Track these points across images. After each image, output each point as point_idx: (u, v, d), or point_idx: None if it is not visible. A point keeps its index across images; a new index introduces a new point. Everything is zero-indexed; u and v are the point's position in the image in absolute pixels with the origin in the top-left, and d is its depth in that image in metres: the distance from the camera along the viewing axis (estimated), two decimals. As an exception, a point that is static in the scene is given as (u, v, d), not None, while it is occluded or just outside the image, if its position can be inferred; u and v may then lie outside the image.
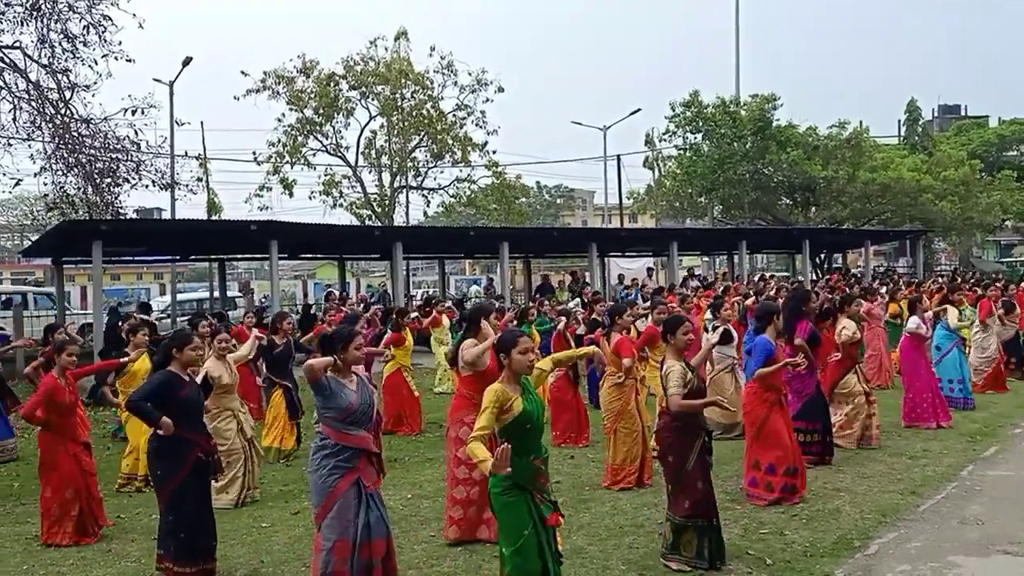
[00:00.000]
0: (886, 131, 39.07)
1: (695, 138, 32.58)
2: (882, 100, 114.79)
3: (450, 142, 25.33)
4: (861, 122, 32.92)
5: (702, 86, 37.70)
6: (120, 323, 11.87)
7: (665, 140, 33.12)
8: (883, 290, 16.48)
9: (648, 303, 10.89)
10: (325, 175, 25.73)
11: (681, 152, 33.30)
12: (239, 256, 23.10)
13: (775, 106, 32.09)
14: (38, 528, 6.91)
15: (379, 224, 23.61)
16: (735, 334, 9.98)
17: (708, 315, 12.27)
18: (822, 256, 33.09)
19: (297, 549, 6.44)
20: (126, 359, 8.56)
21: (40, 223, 53.64)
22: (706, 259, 36.15)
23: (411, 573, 5.78)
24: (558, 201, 70.51)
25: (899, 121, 44.37)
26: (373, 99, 24.87)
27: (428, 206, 27.31)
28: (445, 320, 15.02)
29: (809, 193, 33.20)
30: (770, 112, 32.03)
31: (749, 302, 13.38)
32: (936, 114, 65.23)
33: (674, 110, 32.33)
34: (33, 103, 16.89)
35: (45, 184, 17.40)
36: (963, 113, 65.46)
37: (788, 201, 35.25)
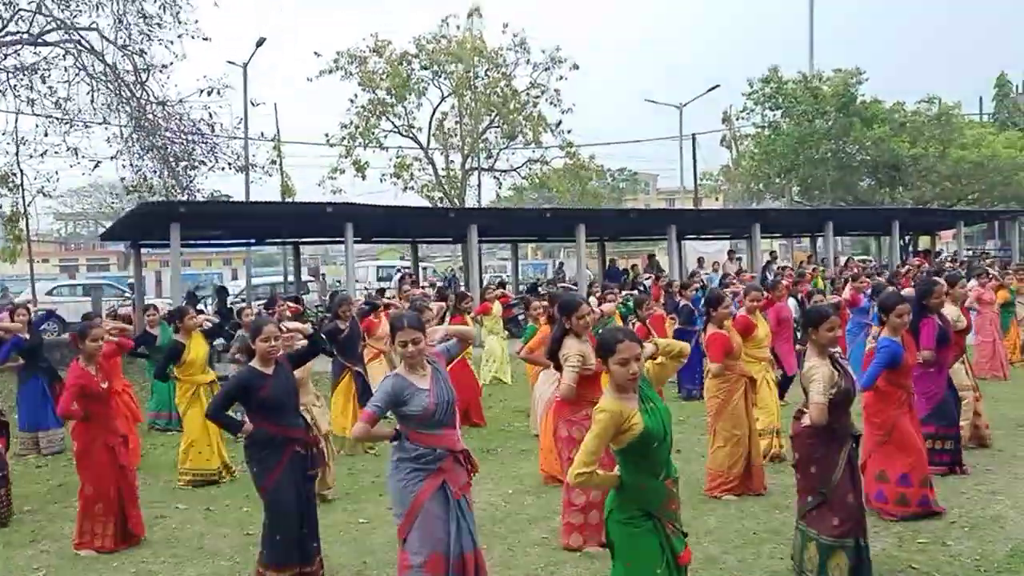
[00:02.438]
0: (969, 107, 36.80)
1: (774, 115, 31.34)
2: (964, 75, 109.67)
3: (522, 122, 24.70)
4: (940, 100, 31.07)
5: (782, 62, 36.29)
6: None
7: (743, 118, 31.96)
8: (995, 272, 15.32)
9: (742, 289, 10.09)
10: (396, 157, 25.39)
11: (759, 130, 32.09)
12: (313, 240, 22.91)
13: (859, 81, 30.69)
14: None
15: (451, 207, 23.14)
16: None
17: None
18: (906, 239, 31.55)
19: (396, 549, 5.96)
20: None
21: (115, 211, 55.20)
22: (783, 243, 34.83)
23: (529, 581, 5.24)
24: (621, 185, 69.26)
25: (980, 99, 42.28)
26: (445, 78, 24.43)
27: (500, 188, 26.84)
28: (496, 307, 13.83)
29: (895, 172, 31.70)
30: (854, 87, 30.63)
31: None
32: (1020, 90, 62.19)
33: (752, 86, 31.16)
34: (110, 85, 16.82)
35: (123, 167, 17.37)
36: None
37: (871, 181, 33.76)
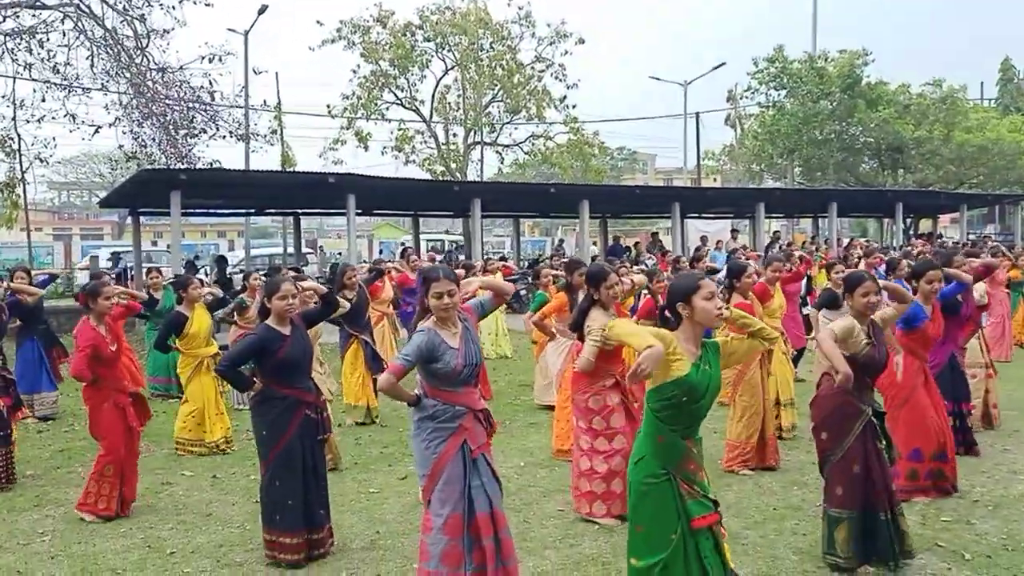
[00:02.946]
0: (972, 92, 36.52)
1: (779, 95, 31.08)
2: (968, 60, 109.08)
3: (526, 96, 24.39)
4: (945, 82, 30.82)
5: (787, 42, 35.79)
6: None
7: (747, 97, 31.67)
8: (1009, 252, 15.16)
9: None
10: (399, 130, 25.07)
11: (764, 109, 31.84)
12: (314, 211, 22.67)
13: (865, 62, 30.43)
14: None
15: (453, 180, 22.89)
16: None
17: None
18: (907, 222, 31.39)
19: (412, 519, 5.84)
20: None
21: (108, 181, 54.72)
22: (785, 223, 34.66)
23: (548, 553, 5.13)
24: (620, 164, 68.88)
25: (981, 84, 42.00)
26: (449, 50, 24.06)
27: (503, 163, 26.53)
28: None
29: (898, 155, 31.53)
30: (860, 68, 30.38)
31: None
32: (1021, 76, 61.91)
33: (757, 65, 30.88)
34: (110, 50, 16.54)
35: (124, 133, 17.11)
36: (1051, 74, 62.01)
37: (874, 163, 33.59)
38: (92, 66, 16.24)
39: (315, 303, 5.84)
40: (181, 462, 7.58)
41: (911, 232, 30.97)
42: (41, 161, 18.36)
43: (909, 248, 17.16)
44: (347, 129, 24.17)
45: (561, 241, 32.71)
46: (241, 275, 15.93)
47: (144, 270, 13.93)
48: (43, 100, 17.36)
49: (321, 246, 32.67)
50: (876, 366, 4.76)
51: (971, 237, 28.94)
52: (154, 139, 17.82)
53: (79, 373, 5.94)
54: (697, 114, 31.25)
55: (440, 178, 24.31)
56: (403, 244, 23.84)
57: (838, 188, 27.13)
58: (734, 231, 23.85)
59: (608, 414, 5.63)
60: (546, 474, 6.86)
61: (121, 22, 16.98)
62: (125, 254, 27.82)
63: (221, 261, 19.23)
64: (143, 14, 16.86)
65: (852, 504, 4.61)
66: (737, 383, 6.90)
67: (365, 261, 21.81)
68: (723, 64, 30.79)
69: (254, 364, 5.14)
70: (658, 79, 30.91)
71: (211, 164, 18.42)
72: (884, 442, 4.82)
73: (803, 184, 32.66)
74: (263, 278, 9.35)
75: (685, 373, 3.50)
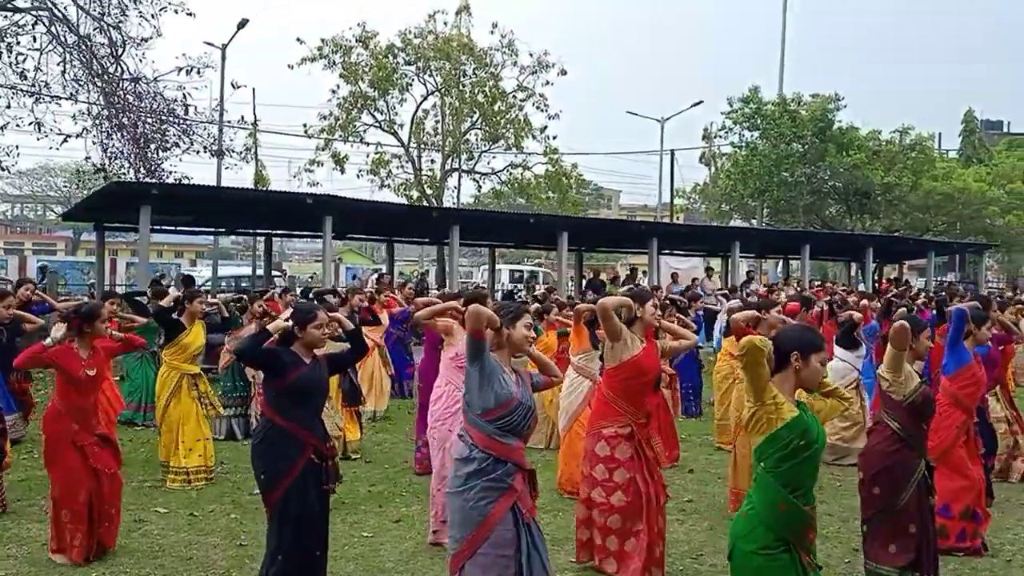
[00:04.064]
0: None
1: (752, 136, 31.33)
2: (931, 109, 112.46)
3: (505, 125, 24.15)
4: (914, 130, 31.38)
5: (762, 83, 35.91)
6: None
7: (721, 136, 31.90)
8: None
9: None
10: (375, 153, 24.67)
11: (736, 149, 32.07)
12: (287, 233, 22.07)
13: (838, 107, 30.87)
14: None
15: (431, 206, 22.49)
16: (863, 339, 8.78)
17: None
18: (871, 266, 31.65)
19: (413, 568, 5.41)
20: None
21: (65, 194, 53.16)
22: (752, 263, 34.81)
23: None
24: (586, 199, 68.98)
25: (939, 135, 42.76)
26: (430, 75, 23.78)
27: (480, 191, 26.18)
28: None
29: (865, 200, 31.91)
30: (832, 113, 30.81)
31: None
32: (979, 128, 63.60)
33: (731, 105, 31.14)
34: (83, 57, 15.92)
35: (93, 144, 16.42)
36: (1005, 129, 63.83)
37: (840, 208, 33.96)
38: (64, 72, 15.60)
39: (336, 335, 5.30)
40: (153, 496, 7.01)
41: (874, 277, 31.31)
42: (2, 169, 17.54)
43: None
44: (323, 150, 23.72)
45: (533, 273, 32.49)
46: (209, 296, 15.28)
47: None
48: (8, 107, 16.63)
49: (285, 270, 31.95)
50: (931, 408, 4.50)
51: (936, 281, 29.44)
52: (122, 152, 17.17)
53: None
54: (672, 151, 31.42)
55: (416, 204, 23.90)
56: (377, 271, 23.37)
57: (812, 231, 27.30)
58: (709, 269, 23.76)
59: (613, 466, 5.12)
60: (552, 520, 6.43)
61: (95, 29, 16.39)
62: (81, 270, 26.96)
63: (188, 281, 18.52)
64: (119, 22, 16.27)
65: (903, 563, 4.30)
66: (740, 428, 6.56)
67: (342, 287, 21.28)
68: (701, 102, 31.02)
69: (263, 387, 4.66)
70: (635, 114, 30.98)
71: (179, 180, 17.82)
72: (933, 498, 4.54)
73: (771, 225, 32.88)
74: (263, 303, 8.89)
75: (797, 414, 3.25)
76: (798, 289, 16.54)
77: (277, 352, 4.53)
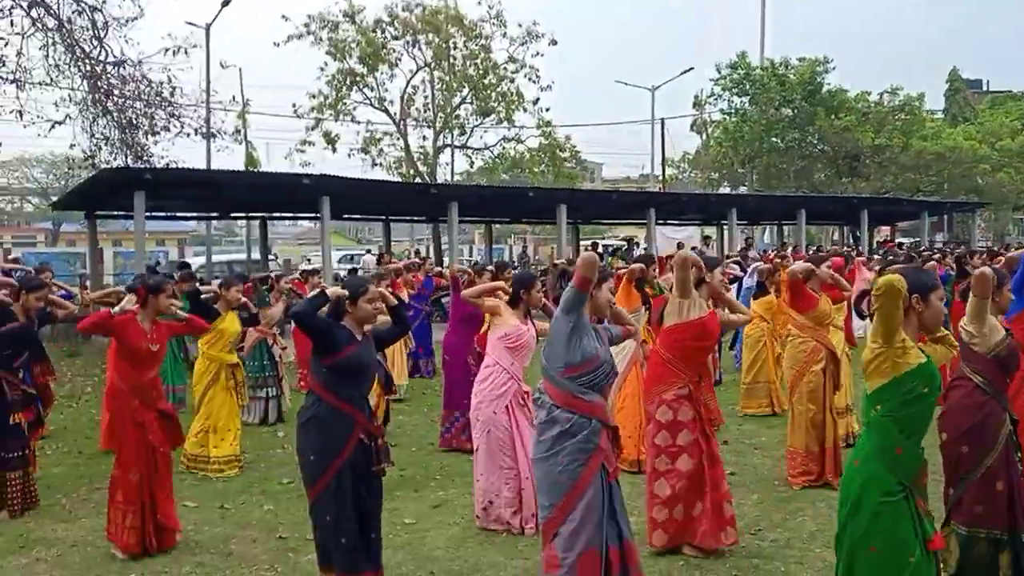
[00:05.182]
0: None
1: (742, 102, 31.12)
2: (917, 69, 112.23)
3: (496, 98, 23.75)
4: (903, 91, 31.19)
5: (752, 47, 35.45)
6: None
7: (710, 103, 31.66)
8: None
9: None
10: (366, 131, 24.23)
11: (726, 116, 31.86)
12: (283, 216, 21.69)
13: (827, 69, 30.70)
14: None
15: (430, 183, 22.13)
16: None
17: None
18: (856, 231, 31.57)
19: (463, 555, 5.22)
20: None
21: (42, 186, 52.24)
22: (744, 229, 34.74)
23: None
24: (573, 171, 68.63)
25: (922, 95, 42.50)
26: (419, 49, 23.34)
27: (472, 166, 25.82)
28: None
29: (855, 163, 31.83)
30: (821, 76, 30.64)
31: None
32: (964, 87, 63.54)
33: (720, 72, 30.91)
34: (65, 40, 15.44)
35: (83, 131, 15.97)
36: (984, 88, 63.86)
37: (830, 171, 33.88)
38: (47, 57, 15.11)
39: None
40: (181, 489, 6.73)
41: (857, 238, 31.23)
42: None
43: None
44: (314, 129, 23.29)
45: (525, 248, 32.29)
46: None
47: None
48: (-11, 95, 16.11)
49: (276, 254, 31.53)
50: (1016, 361, 4.30)
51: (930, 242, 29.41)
52: (106, 137, 16.73)
53: (82, 325, 5.53)
54: (662, 120, 31.13)
55: (410, 181, 23.55)
56: (371, 251, 23.04)
57: (808, 195, 27.20)
58: (707, 238, 23.68)
59: (676, 430, 5.00)
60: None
61: (75, 12, 15.89)
62: (67, 261, 26.34)
63: (184, 268, 18.16)
64: (102, 2, 15.78)
65: (997, 523, 4.13)
66: (794, 386, 6.41)
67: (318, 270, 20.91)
68: (691, 69, 30.76)
69: (312, 363, 4.43)
70: (624, 83, 30.67)
71: (169, 165, 17.41)
72: (1020, 454, 4.36)
73: (761, 191, 32.76)
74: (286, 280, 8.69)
75: (924, 360, 3.16)
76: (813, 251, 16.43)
77: (332, 325, 4.31)
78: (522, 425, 5.60)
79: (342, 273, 16.98)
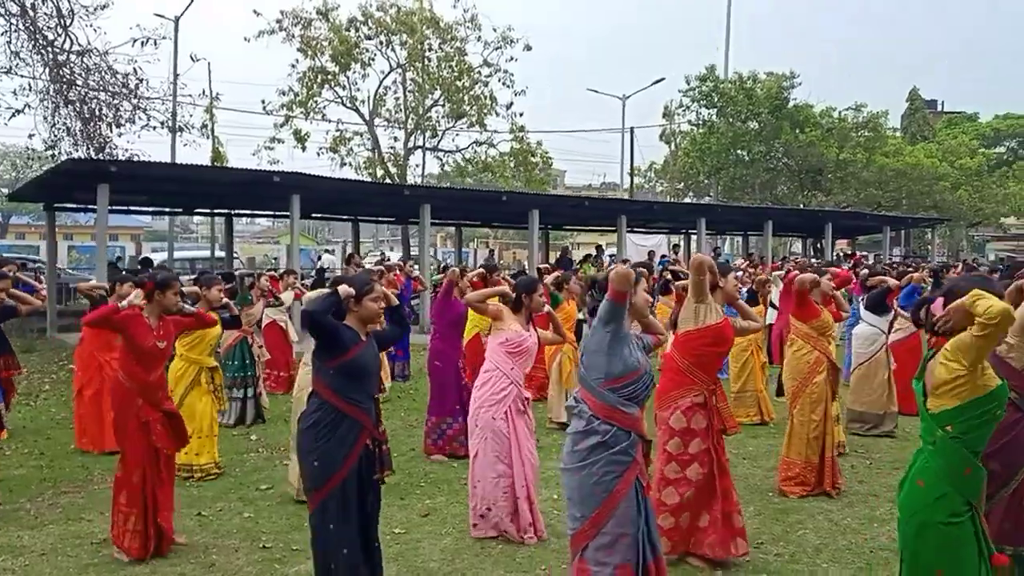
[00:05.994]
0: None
1: (710, 113, 31.33)
2: (877, 88, 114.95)
3: (468, 102, 23.53)
4: (867, 107, 31.70)
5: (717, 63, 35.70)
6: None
7: (679, 115, 31.81)
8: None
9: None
10: (336, 130, 23.82)
11: (694, 127, 32.06)
12: (250, 212, 21.18)
13: (792, 84, 31.03)
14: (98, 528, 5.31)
15: (402, 184, 21.82)
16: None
17: None
18: (821, 242, 31.92)
19: (458, 566, 5.01)
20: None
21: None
22: (710, 240, 35.00)
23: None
24: (540, 176, 68.56)
25: (885, 112, 43.25)
26: (392, 50, 23.00)
27: (443, 169, 25.48)
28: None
29: (818, 177, 32.22)
30: (787, 90, 30.96)
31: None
32: (923, 107, 64.86)
33: (689, 83, 31.08)
34: (28, 29, 14.91)
35: (44, 120, 15.42)
36: (940, 108, 65.37)
37: (792, 184, 34.27)
38: (9, 43, 14.58)
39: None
40: (153, 496, 6.45)
41: (818, 250, 31.58)
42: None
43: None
44: (283, 127, 22.78)
45: (491, 252, 32.09)
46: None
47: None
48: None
49: (237, 251, 30.94)
50: None
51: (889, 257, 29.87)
52: (68, 128, 16.19)
53: (88, 317, 5.45)
54: (632, 129, 31.15)
55: (383, 182, 23.21)
56: (330, 250, 22.62)
57: (774, 207, 27.50)
58: (675, 247, 23.73)
59: (689, 438, 4.86)
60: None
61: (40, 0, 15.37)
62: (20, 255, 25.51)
63: (146, 264, 17.65)
64: (64, -8, 15.27)
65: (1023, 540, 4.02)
66: (797, 394, 6.32)
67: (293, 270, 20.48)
68: (663, 79, 30.82)
69: (316, 364, 4.20)
70: (596, 91, 30.67)
71: (130, 158, 16.90)
72: None
73: (725, 202, 33.04)
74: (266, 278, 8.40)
75: (1000, 382, 3.07)
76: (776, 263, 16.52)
77: (340, 325, 4.11)
78: (520, 431, 5.45)
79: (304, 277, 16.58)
